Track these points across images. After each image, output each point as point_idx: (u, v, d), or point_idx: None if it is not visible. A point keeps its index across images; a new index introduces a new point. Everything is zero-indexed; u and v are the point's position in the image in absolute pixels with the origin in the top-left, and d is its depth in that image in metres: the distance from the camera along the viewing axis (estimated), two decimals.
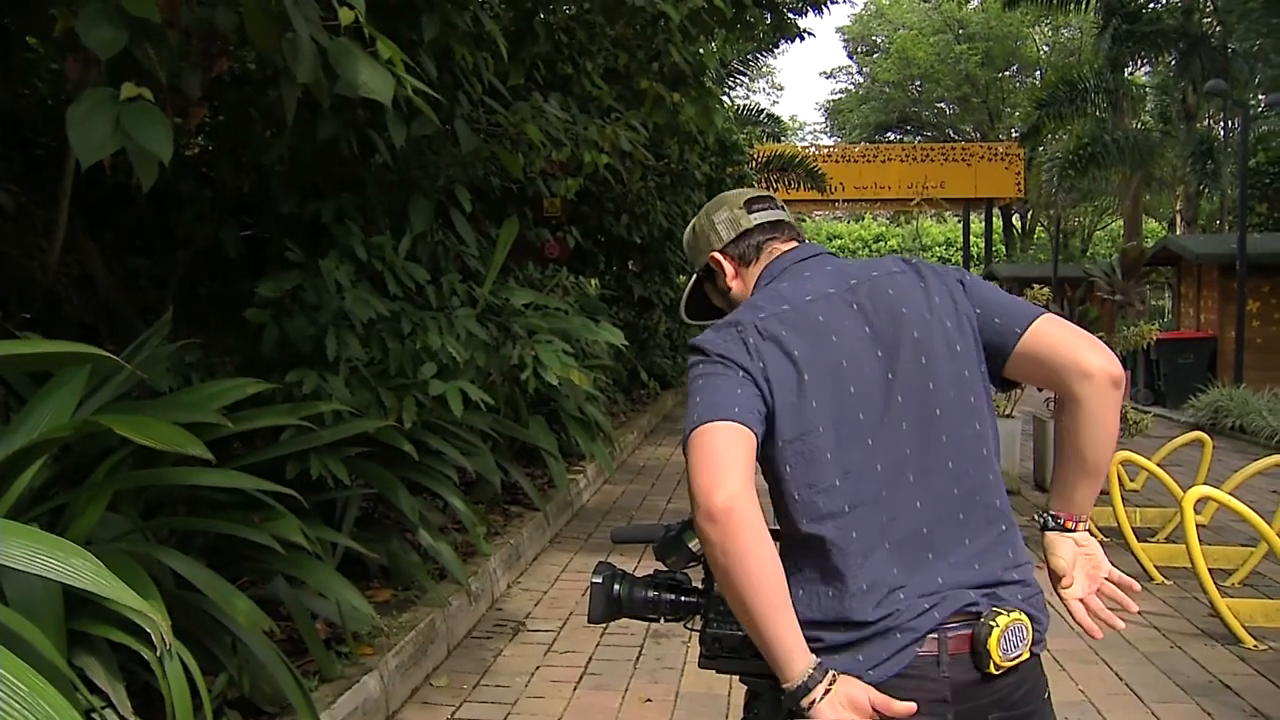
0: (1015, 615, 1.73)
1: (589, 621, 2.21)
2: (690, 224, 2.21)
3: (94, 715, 2.78)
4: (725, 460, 1.65)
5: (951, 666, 1.71)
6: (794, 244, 2.07)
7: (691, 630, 2.15)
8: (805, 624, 1.69)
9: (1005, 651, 1.71)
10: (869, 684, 1.67)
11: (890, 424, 1.77)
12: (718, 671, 2.11)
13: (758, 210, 2.11)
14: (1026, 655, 1.76)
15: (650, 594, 2.14)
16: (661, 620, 2.16)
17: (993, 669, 1.71)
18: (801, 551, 1.77)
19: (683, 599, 2.13)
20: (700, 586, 2.12)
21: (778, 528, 1.82)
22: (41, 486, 3.29)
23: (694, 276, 2.21)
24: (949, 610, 1.72)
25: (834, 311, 1.84)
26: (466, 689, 4.58)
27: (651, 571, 2.19)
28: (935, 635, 1.71)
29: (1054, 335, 1.86)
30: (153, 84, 2.61)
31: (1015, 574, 1.81)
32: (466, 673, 4.77)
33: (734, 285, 2.09)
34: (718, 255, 2.10)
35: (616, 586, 2.14)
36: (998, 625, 1.70)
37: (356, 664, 4.15)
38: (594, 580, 2.16)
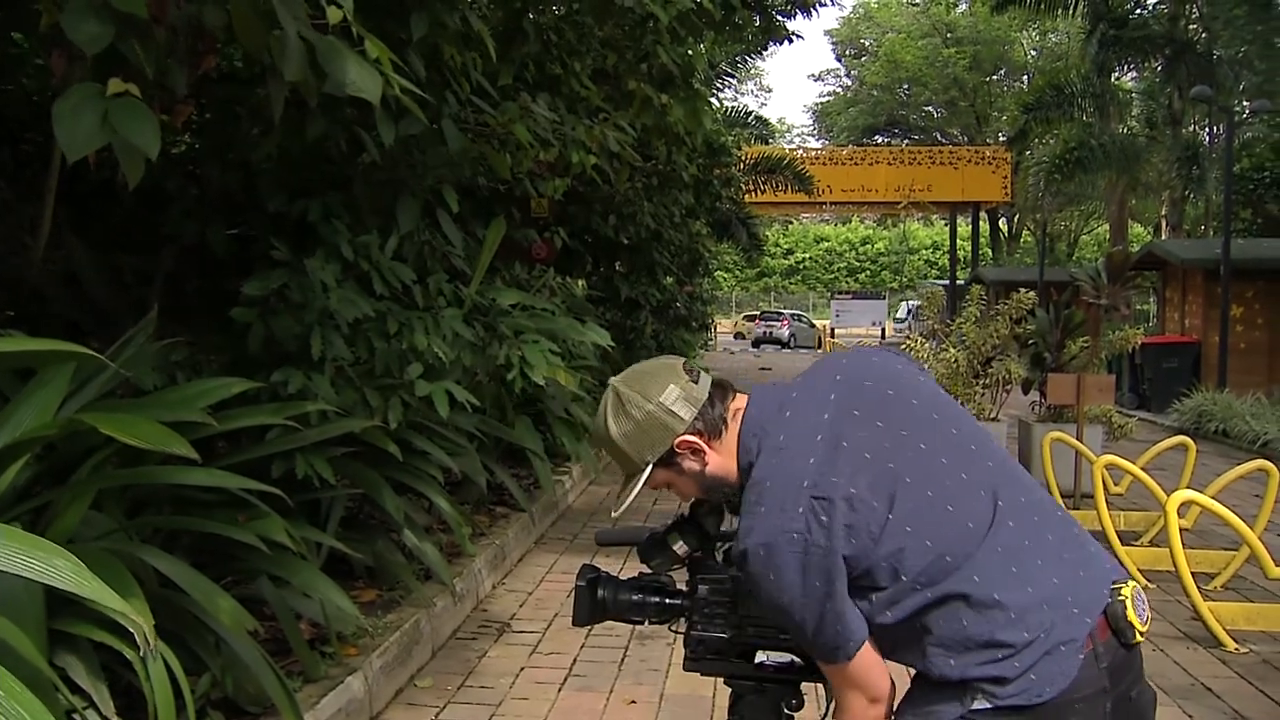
0: (1131, 583, 1.83)
1: (573, 624, 2.21)
2: (609, 418, 1.95)
3: (75, 715, 2.77)
4: (884, 666, 1.85)
5: (1105, 654, 1.77)
6: (740, 399, 1.98)
7: (676, 633, 2.15)
8: (979, 667, 1.75)
9: (1140, 617, 1.80)
10: (1046, 700, 1.72)
11: (954, 479, 1.83)
12: (702, 674, 2.12)
13: (699, 376, 1.97)
14: (1150, 616, 1.84)
15: (635, 597, 2.14)
16: (646, 623, 2.16)
17: (1138, 638, 1.79)
18: (947, 616, 1.78)
19: (667, 601, 2.13)
20: (684, 589, 2.12)
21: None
22: (25, 485, 3.27)
23: (647, 470, 1.95)
24: (1096, 611, 1.78)
25: (846, 431, 1.84)
26: (451, 690, 4.58)
27: (636, 574, 2.19)
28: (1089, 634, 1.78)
29: None
30: (139, 80, 2.59)
31: (1092, 547, 1.89)
32: (451, 674, 4.77)
33: (712, 462, 1.94)
34: (689, 438, 1.92)
35: (601, 590, 2.14)
36: (1125, 596, 1.79)
37: (341, 664, 4.13)
38: (578, 583, 2.16)
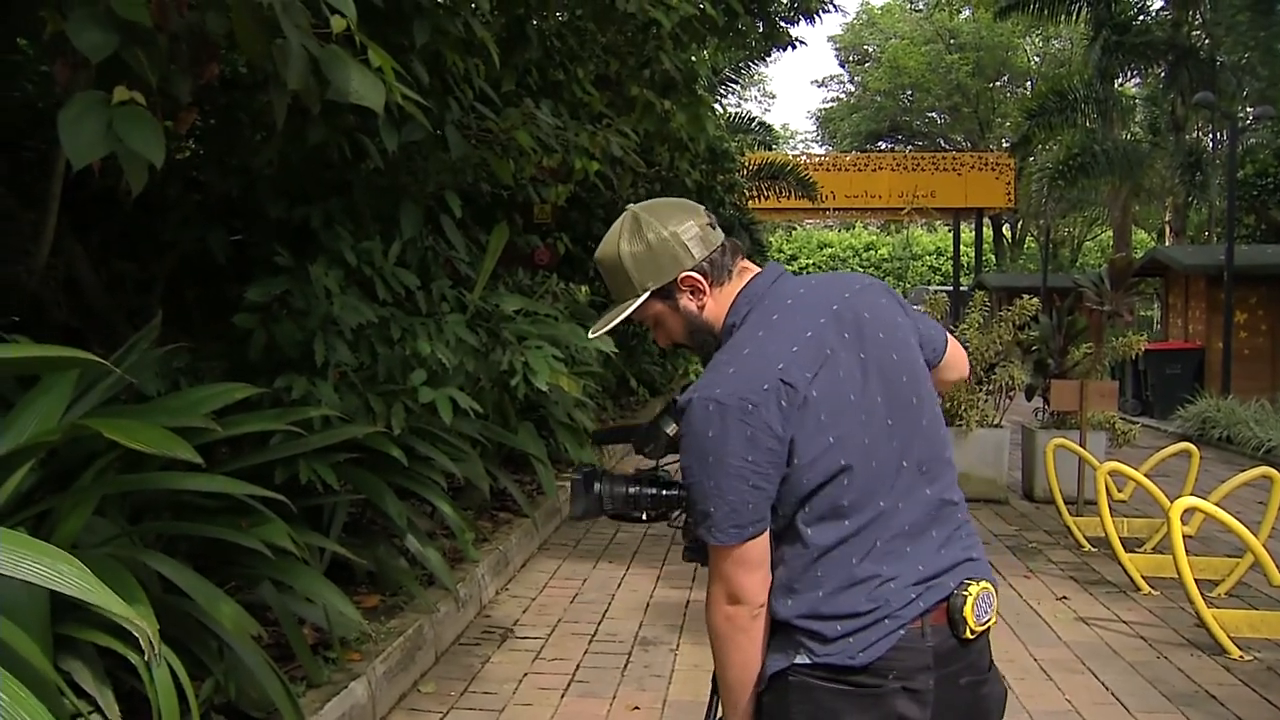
0: (984, 584, 1.92)
1: (570, 518, 2.23)
2: (622, 237, 1.97)
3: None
4: (765, 568, 1.87)
5: (934, 635, 1.87)
6: (750, 265, 2.03)
7: (674, 527, 2.17)
8: (803, 619, 1.84)
9: (979, 617, 1.90)
10: (859, 664, 1.82)
11: (888, 444, 1.90)
12: (701, 565, 2.12)
13: (716, 225, 2.01)
14: (993, 620, 1.95)
15: (630, 489, 2.15)
16: (644, 517, 2.15)
17: (969, 634, 1.89)
18: (801, 558, 1.86)
19: (664, 493, 2.14)
20: (680, 479, 2.12)
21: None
22: (28, 490, 3.28)
23: (645, 295, 1.97)
24: (932, 600, 1.88)
25: (833, 342, 1.88)
26: (454, 696, 4.58)
27: (632, 470, 2.20)
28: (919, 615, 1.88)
29: (956, 355, 2.18)
30: (143, 88, 2.60)
31: (974, 553, 1.98)
32: (454, 679, 4.76)
33: (708, 308, 1.99)
34: (694, 275, 1.96)
35: (597, 484, 2.15)
36: (970, 594, 1.89)
37: (344, 670, 4.14)
38: (574, 477, 2.16)
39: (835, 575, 1.84)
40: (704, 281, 1.96)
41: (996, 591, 1.96)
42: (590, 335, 2.08)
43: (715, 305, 1.99)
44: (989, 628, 1.95)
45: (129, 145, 2.48)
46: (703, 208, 2.02)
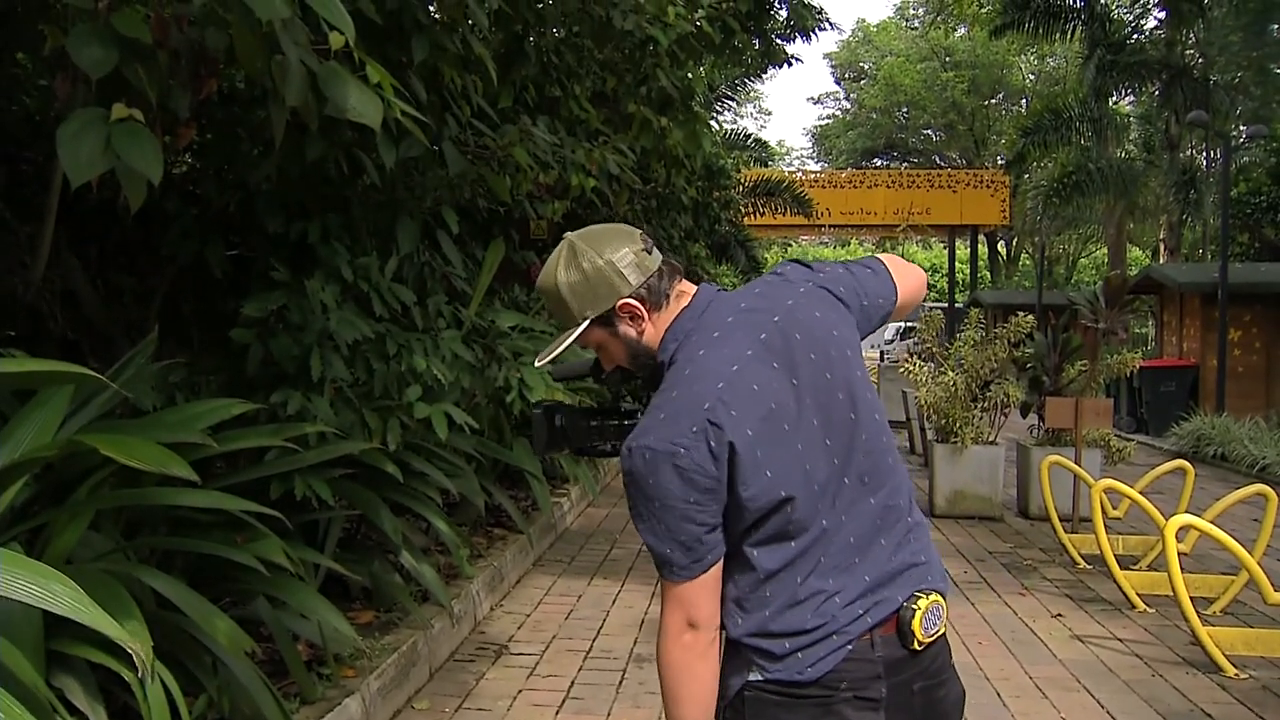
0: (933, 597, 1.96)
1: (534, 452, 2.22)
2: (559, 266, 1.97)
3: None
4: (719, 590, 1.90)
5: (883, 646, 1.91)
6: (687, 286, 2.04)
7: None
8: (751, 637, 1.89)
9: (927, 629, 1.94)
10: (809, 680, 1.86)
11: (829, 464, 1.91)
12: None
13: (653, 249, 2.00)
14: (942, 629, 1.99)
15: (593, 423, 2.14)
16: (610, 448, 2.13)
17: (917, 645, 1.93)
18: (749, 579, 1.90)
19: (626, 423, 2.12)
20: (638, 407, 2.12)
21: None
22: (23, 505, 3.27)
23: (584, 324, 1.97)
24: (880, 615, 1.91)
25: (761, 376, 1.88)
26: (448, 712, 4.56)
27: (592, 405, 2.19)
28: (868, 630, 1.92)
29: (912, 286, 2.25)
30: (142, 104, 2.60)
31: (923, 557, 2.01)
32: (448, 696, 4.75)
33: (647, 333, 1.99)
34: (632, 302, 1.96)
35: (559, 418, 2.13)
36: (919, 608, 1.93)
37: (338, 686, 4.13)
38: (535, 411, 2.15)
39: (781, 594, 1.88)
40: (642, 308, 1.97)
41: (946, 601, 2.00)
42: (537, 364, 2.08)
43: (653, 330, 1.99)
44: (940, 637, 1.99)
45: (127, 162, 2.48)
46: (639, 232, 2.02)
